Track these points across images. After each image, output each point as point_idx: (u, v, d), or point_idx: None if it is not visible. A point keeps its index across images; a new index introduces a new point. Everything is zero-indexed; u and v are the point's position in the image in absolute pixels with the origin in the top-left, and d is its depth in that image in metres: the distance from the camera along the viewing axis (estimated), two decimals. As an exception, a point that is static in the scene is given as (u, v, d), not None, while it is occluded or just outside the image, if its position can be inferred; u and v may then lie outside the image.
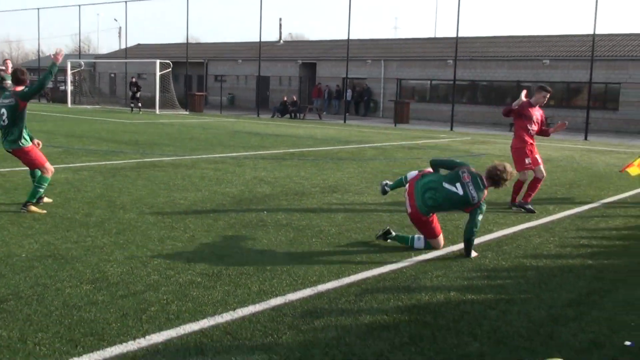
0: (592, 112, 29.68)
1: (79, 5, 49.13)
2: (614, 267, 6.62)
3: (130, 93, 38.96)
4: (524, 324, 4.85)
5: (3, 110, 8.24)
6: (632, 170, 10.92)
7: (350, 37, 36.53)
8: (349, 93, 42.10)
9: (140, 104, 37.87)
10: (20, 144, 8.33)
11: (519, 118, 9.88)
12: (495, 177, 6.86)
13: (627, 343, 4.53)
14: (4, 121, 8.27)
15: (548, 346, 4.44)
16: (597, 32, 28.93)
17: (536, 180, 9.88)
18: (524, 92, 10.01)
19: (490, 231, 8.13)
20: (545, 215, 9.43)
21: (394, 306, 5.17)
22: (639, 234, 8.45)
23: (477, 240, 7.56)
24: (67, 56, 60.36)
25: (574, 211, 9.86)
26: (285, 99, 39.07)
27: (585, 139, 26.64)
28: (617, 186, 12.43)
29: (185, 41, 45.28)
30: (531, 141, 9.93)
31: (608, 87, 34.63)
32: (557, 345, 4.45)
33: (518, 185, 9.84)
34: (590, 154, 19.63)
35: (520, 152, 9.93)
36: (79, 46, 57.50)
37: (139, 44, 65.29)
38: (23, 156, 8.48)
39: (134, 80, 38.92)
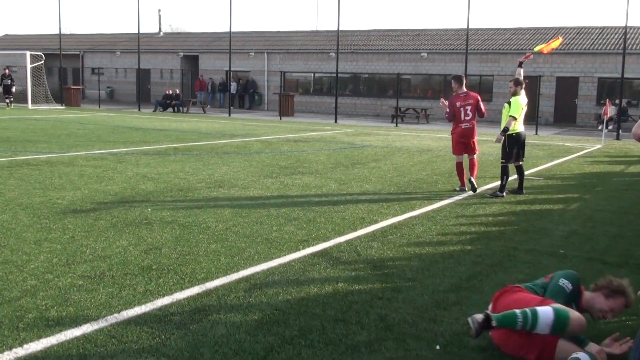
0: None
1: (-61, -7, 45.68)
2: (491, 251, 6.95)
3: (2, 87, 35.46)
4: (409, 311, 4.99)
5: None
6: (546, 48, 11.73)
7: (233, 30, 36.22)
8: (233, 86, 41.78)
9: (11, 99, 34.92)
10: None
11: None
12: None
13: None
14: None
15: (432, 331, 4.59)
16: (470, 27, 30.24)
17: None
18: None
19: (376, 221, 8.31)
20: (427, 204, 9.76)
21: (283, 300, 5.17)
22: (514, 219, 8.92)
23: (362, 231, 7.73)
24: None
25: (454, 199, 10.27)
26: (169, 92, 38.20)
27: (462, 129, 27.77)
28: (493, 174, 13.06)
29: (58, 32, 43.21)
30: None
31: (482, 79, 36.31)
32: (441, 329, 4.61)
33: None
34: (467, 144, 20.48)
35: None
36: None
37: (7, 35, 61.71)
38: None
39: (6, 72, 35.62)
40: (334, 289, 5.49)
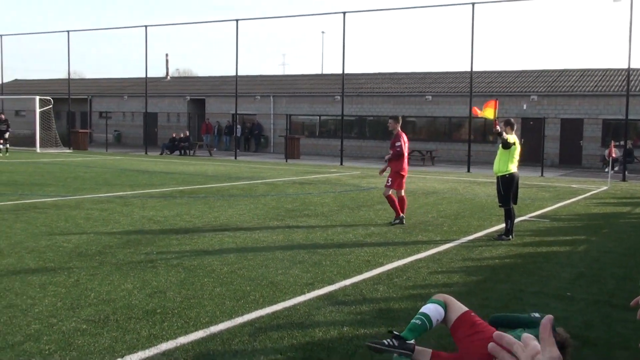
0: (473, 145, 31.17)
1: (-49, 39, 46.37)
2: (498, 294, 6.90)
3: None
4: (416, 356, 4.93)
5: None
6: (487, 113, 11.45)
7: (239, 74, 36.65)
8: (239, 129, 42.07)
9: (7, 145, 32.24)
10: None
11: None
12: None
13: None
14: None
15: (439, 376, 4.53)
16: (474, 70, 30.53)
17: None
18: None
19: (381, 264, 8.28)
20: (432, 246, 9.72)
21: (288, 344, 5.13)
22: (520, 261, 8.87)
23: (368, 274, 7.70)
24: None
25: (460, 241, 10.23)
26: (175, 135, 38.49)
27: (468, 171, 27.85)
28: (499, 216, 13.01)
29: (67, 77, 43.80)
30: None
31: (487, 121, 36.41)
32: (448, 375, 4.55)
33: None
34: (473, 186, 20.52)
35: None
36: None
37: (16, 80, 62.54)
38: None
39: (2, 117, 33.03)
40: (339, 333, 5.45)
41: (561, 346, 4.34)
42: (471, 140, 30.72)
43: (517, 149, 10.71)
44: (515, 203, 10.83)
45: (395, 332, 4.58)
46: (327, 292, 6.79)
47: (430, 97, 37.89)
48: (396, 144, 12.01)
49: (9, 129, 33.18)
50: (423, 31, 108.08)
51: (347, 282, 7.26)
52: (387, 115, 38.83)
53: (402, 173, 12.09)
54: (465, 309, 4.69)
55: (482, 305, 6.39)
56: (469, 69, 30.15)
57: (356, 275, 7.60)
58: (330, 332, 5.46)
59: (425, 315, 4.62)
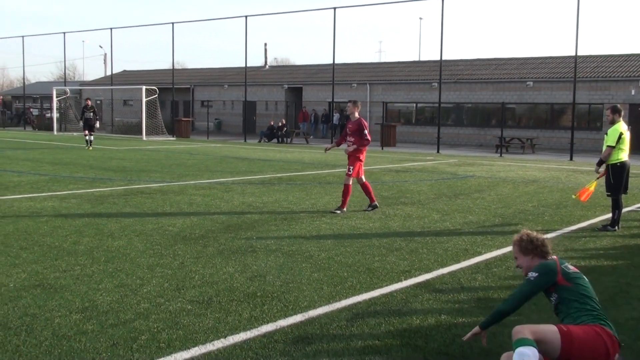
0: (576, 132, 30.04)
1: (64, 33, 49.06)
2: (602, 286, 6.65)
3: (82, 120, 28.94)
4: (515, 346, 4.85)
5: None
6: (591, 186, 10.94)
7: (336, 62, 36.80)
8: (336, 117, 42.31)
9: (92, 137, 27.92)
10: None
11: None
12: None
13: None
14: None
15: (540, 368, 4.44)
16: (578, 54, 29.33)
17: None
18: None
19: (479, 253, 8.17)
20: (533, 236, 9.46)
21: (385, 330, 5.16)
22: (627, 253, 8.51)
23: (466, 263, 7.61)
24: (52, 83, 60.41)
25: (562, 232, 9.93)
26: (272, 123, 39.19)
27: (571, 159, 26.85)
28: (604, 206, 12.50)
29: (171, 67, 45.39)
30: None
31: (591, 108, 35.02)
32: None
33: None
34: (576, 175, 19.78)
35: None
36: (64, 73, 57.27)
37: (124, 70, 65.43)
38: None
39: (88, 103, 28.73)
40: (437, 321, 5.44)
41: None
42: (574, 127, 29.58)
43: (627, 138, 10.27)
44: (625, 193, 10.40)
45: None
46: (424, 280, 6.78)
47: (531, 83, 36.75)
48: (364, 132, 11.41)
49: (98, 118, 29.61)
50: (524, 15, 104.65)
51: (445, 270, 7.21)
52: (486, 102, 38.16)
53: (361, 159, 11.63)
54: (554, 329, 4.11)
55: (585, 298, 6.19)
56: (573, 54, 28.99)
57: (454, 264, 7.53)
58: (427, 319, 5.45)
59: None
